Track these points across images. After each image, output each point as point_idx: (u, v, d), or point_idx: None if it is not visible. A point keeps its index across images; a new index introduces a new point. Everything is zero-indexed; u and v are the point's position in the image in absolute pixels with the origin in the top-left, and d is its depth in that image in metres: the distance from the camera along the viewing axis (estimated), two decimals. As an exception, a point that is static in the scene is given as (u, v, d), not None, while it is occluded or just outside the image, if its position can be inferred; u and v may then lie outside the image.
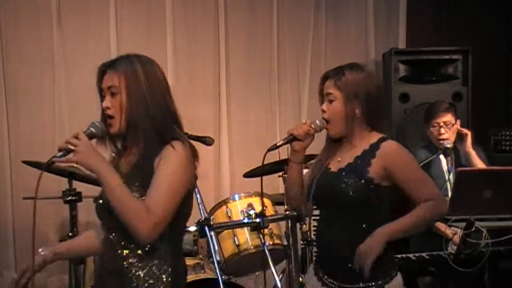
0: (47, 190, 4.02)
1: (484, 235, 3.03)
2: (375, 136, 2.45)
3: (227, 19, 4.99)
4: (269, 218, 3.37)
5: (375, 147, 2.41)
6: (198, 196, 3.38)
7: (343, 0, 5.26)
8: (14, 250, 4.58)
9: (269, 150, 2.50)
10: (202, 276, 3.39)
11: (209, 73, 4.98)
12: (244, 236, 3.50)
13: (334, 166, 2.49)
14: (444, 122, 3.64)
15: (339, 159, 2.49)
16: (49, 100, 4.66)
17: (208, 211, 3.58)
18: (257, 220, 3.29)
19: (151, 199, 2.00)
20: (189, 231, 3.59)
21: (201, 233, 3.04)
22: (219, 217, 3.63)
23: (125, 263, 2.09)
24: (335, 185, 2.42)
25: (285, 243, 3.62)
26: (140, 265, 2.09)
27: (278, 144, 2.51)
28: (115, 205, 1.99)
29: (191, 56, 4.95)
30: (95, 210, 2.21)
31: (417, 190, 2.39)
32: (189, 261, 3.56)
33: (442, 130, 3.63)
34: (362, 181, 2.38)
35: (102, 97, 2.17)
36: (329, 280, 2.46)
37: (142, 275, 2.08)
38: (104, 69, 2.18)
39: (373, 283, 2.38)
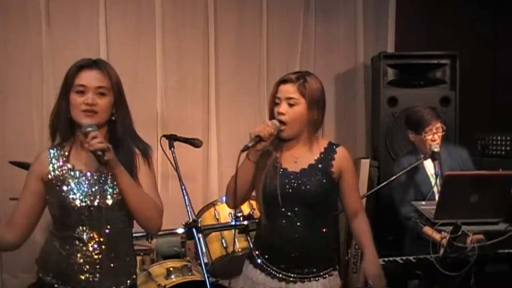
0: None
1: (470, 239, 3.05)
2: (323, 141, 2.71)
3: (217, 20, 4.98)
4: (257, 220, 3.39)
5: (330, 150, 2.67)
6: (186, 198, 3.37)
7: (332, 3, 5.27)
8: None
9: (242, 151, 2.57)
10: (189, 278, 3.39)
11: (198, 74, 4.98)
12: (232, 238, 3.50)
13: (291, 167, 2.64)
14: (437, 128, 3.71)
15: (295, 160, 2.64)
16: (38, 100, 4.63)
17: (196, 213, 3.57)
18: (245, 222, 3.31)
19: (153, 194, 2.40)
20: (177, 233, 3.58)
21: (188, 235, 3.05)
22: (207, 219, 3.63)
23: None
24: (302, 185, 2.59)
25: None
26: None
27: (249, 145, 2.58)
28: (133, 202, 2.31)
29: (180, 56, 4.94)
30: (82, 215, 2.32)
31: (351, 195, 2.71)
32: (177, 263, 3.56)
33: (436, 136, 3.70)
34: (327, 180, 2.62)
35: (76, 91, 2.32)
36: (283, 273, 2.63)
37: None
38: (85, 66, 2.33)
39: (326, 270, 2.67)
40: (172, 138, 3.67)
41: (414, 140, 3.79)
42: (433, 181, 3.70)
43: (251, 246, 2.82)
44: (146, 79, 4.85)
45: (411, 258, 3.26)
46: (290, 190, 2.59)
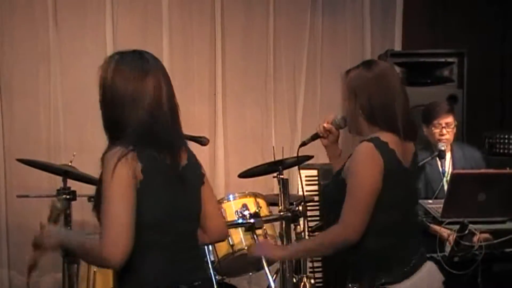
0: (41, 189, 4.03)
1: (477, 237, 3.04)
2: (371, 135, 2.35)
3: (223, 17, 4.97)
4: (264, 218, 3.40)
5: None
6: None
7: (339, 1, 5.26)
8: (8, 247, 4.56)
9: (300, 146, 2.63)
10: (195, 276, 3.39)
11: (205, 72, 4.97)
12: (238, 236, 3.50)
13: None
14: (446, 123, 3.69)
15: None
16: (45, 97, 4.63)
17: (202, 211, 3.57)
18: (252, 220, 3.31)
19: (102, 225, 1.93)
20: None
21: (195, 233, 3.03)
22: (214, 217, 3.62)
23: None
24: (327, 185, 2.56)
25: (279, 243, 3.62)
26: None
27: (305, 141, 2.64)
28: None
29: (187, 54, 4.94)
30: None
31: (345, 203, 2.27)
32: (183, 261, 3.56)
33: (444, 131, 3.69)
34: (337, 182, 2.38)
35: None
36: None
37: None
38: None
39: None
40: (178, 136, 3.66)
41: (426, 134, 3.79)
42: (444, 179, 3.69)
43: None
44: (153, 77, 4.85)
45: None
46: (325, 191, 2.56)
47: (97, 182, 2.00)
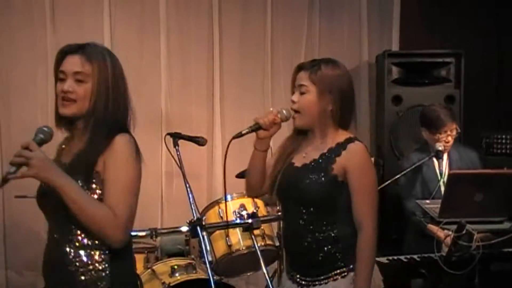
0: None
1: (475, 237, 3.04)
2: (342, 135, 2.44)
3: (221, 19, 4.98)
4: (261, 218, 3.40)
5: (341, 146, 2.41)
6: (190, 196, 3.38)
7: (337, 1, 5.27)
8: (5, 247, 4.57)
9: (234, 138, 2.49)
10: (193, 276, 3.39)
11: (203, 74, 4.98)
12: (236, 237, 3.50)
13: (298, 161, 2.49)
14: (451, 130, 3.70)
15: (304, 154, 2.49)
16: (42, 100, 4.63)
17: (200, 211, 3.58)
18: (249, 220, 3.31)
19: (114, 201, 1.98)
20: (181, 231, 3.58)
21: (193, 233, 3.05)
22: (211, 217, 3.64)
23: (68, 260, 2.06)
24: (299, 181, 2.43)
25: (277, 244, 3.63)
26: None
27: (243, 132, 2.50)
28: (79, 216, 1.95)
29: (184, 56, 4.95)
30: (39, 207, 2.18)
31: (356, 201, 2.39)
32: (181, 261, 3.57)
33: (449, 138, 3.69)
34: (326, 178, 2.39)
35: (59, 79, 2.13)
36: (298, 277, 2.49)
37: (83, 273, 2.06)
38: (69, 52, 2.18)
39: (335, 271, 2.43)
40: (176, 136, 3.67)
41: (427, 138, 3.78)
42: (441, 179, 3.70)
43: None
44: (151, 78, 4.85)
45: (415, 256, 3.26)
46: (288, 186, 2.46)
47: (89, 155, 2.03)
